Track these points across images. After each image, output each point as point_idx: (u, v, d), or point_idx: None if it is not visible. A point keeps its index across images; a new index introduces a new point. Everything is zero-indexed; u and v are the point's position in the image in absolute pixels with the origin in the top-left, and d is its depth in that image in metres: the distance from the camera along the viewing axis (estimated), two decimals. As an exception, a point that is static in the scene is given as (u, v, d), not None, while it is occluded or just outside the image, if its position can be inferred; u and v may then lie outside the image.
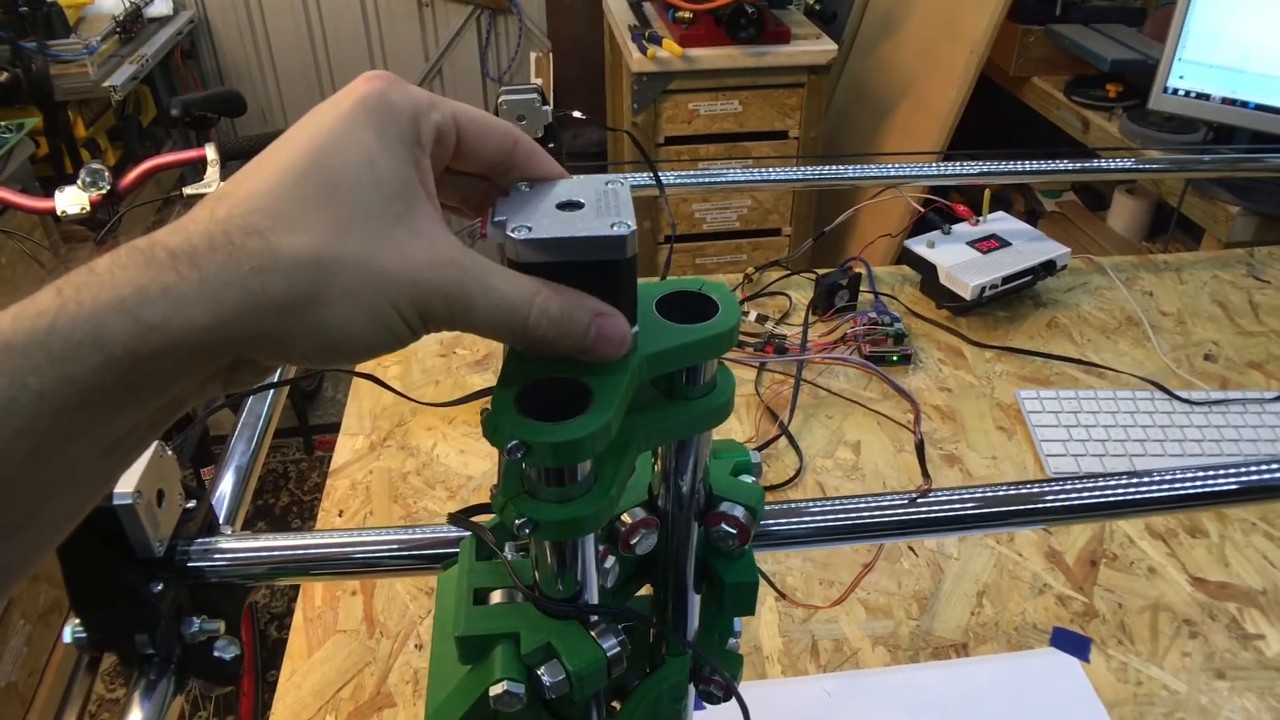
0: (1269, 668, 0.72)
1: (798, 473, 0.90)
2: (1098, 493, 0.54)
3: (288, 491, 2.28)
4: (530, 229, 0.34)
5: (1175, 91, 1.51)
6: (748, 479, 0.47)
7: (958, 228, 1.17)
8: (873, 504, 0.52)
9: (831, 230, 1.29)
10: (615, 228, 0.34)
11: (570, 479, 0.36)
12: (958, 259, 1.10)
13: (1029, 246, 1.13)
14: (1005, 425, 0.96)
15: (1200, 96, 1.49)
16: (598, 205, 0.36)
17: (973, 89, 1.80)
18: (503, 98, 0.97)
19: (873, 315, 1.06)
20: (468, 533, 0.45)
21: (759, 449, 0.92)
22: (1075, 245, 1.93)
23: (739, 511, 0.45)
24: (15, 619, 1.70)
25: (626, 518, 0.44)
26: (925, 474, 0.59)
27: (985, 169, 1.12)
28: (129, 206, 1.41)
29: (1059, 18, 1.86)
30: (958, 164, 1.13)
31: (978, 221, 1.17)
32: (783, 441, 0.94)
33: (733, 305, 0.39)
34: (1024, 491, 0.54)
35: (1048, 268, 1.12)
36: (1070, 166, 1.15)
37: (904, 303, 1.14)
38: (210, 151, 1.43)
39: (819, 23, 2.04)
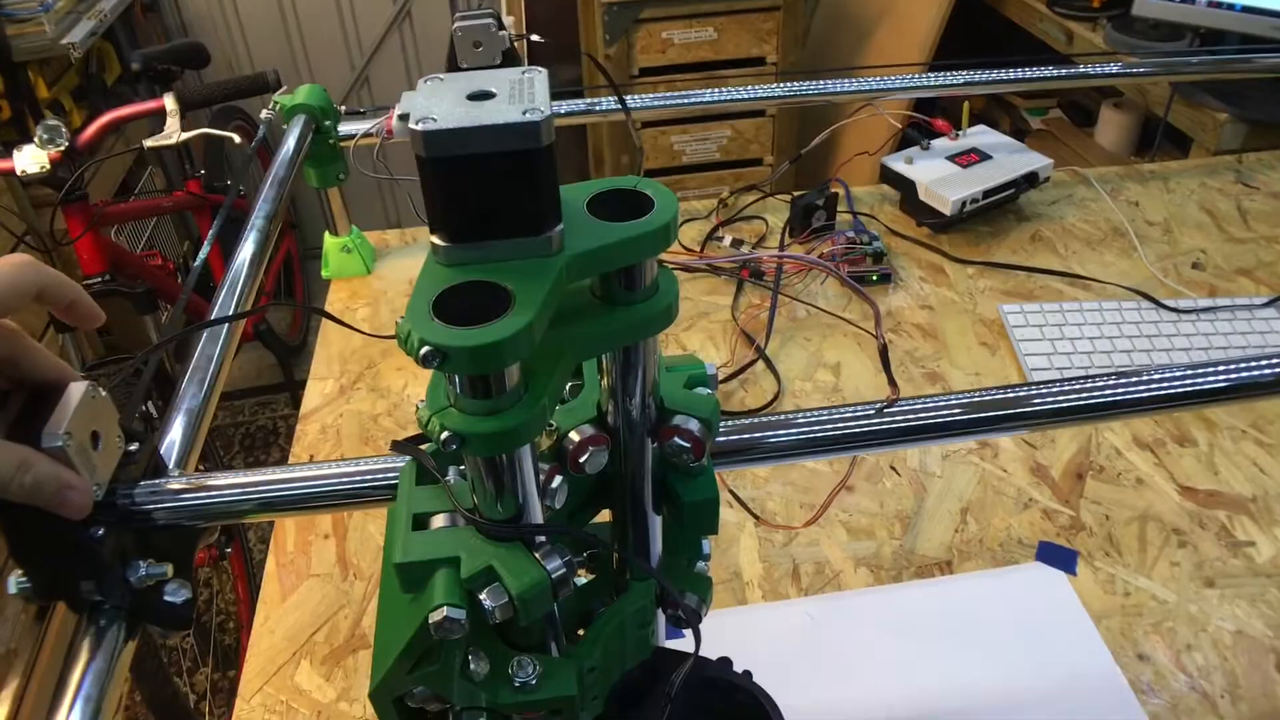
0: (1259, 574, 0.71)
1: (776, 396, 0.88)
2: (1068, 397, 0.52)
3: (278, 448, 2.26)
4: (436, 120, 0.31)
5: (1161, -4, 1.46)
6: (703, 391, 0.45)
7: (937, 143, 1.13)
8: (837, 416, 0.50)
9: (811, 152, 1.25)
10: (528, 114, 0.31)
11: (497, 389, 0.33)
12: (937, 174, 1.07)
13: (1010, 159, 1.10)
14: (989, 341, 0.94)
15: (1185, 0, 1.45)
16: (510, 94, 0.33)
17: (953, 5, 1.75)
18: (457, 24, 0.93)
19: (850, 235, 1.03)
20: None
21: (735, 374, 0.90)
22: (1062, 162, 1.90)
23: (692, 424, 0.42)
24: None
25: (575, 435, 0.41)
26: (892, 382, 0.57)
27: (967, 79, 1.08)
28: (90, 162, 1.37)
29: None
30: (939, 75, 1.09)
31: (957, 136, 1.14)
32: (761, 366, 0.91)
33: (669, 201, 0.36)
34: (997, 397, 0.51)
35: (1030, 180, 1.08)
36: (1053, 73, 1.11)
37: (883, 222, 1.11)
38: (169, 101, 1.39)
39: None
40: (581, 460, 0.41)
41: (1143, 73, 1.25)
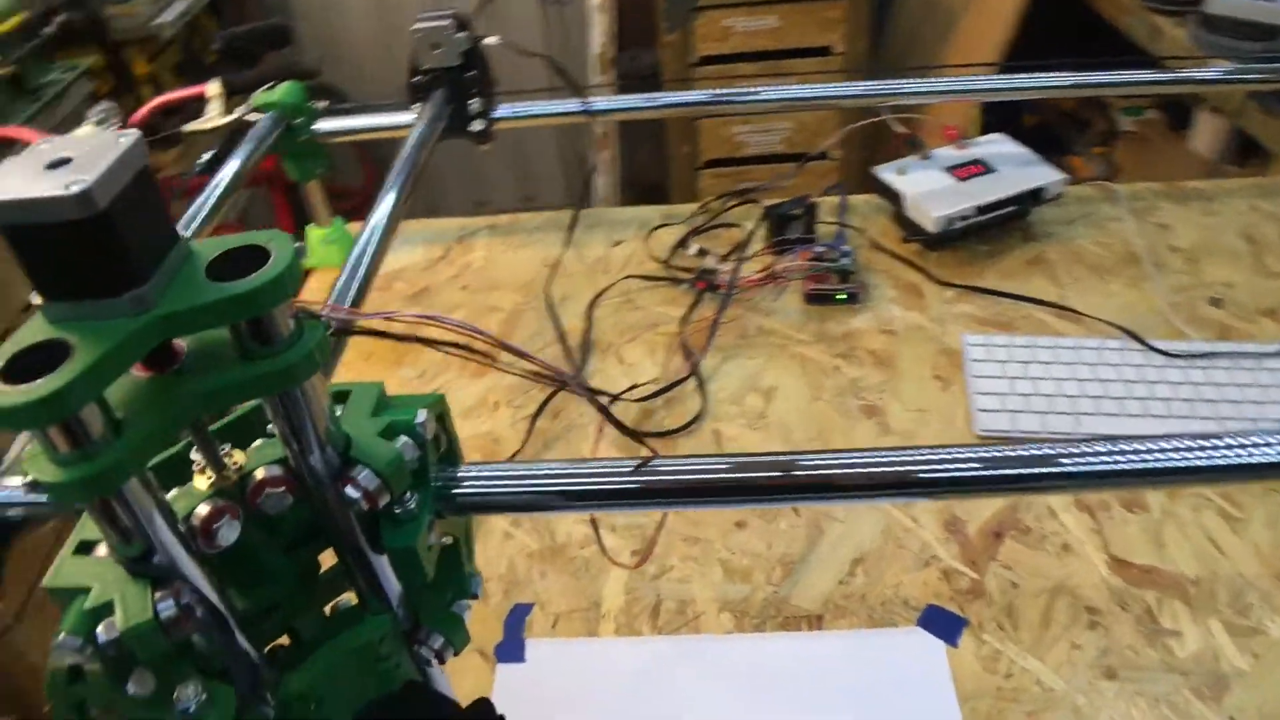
0: (1174, 670, 0.63)
1: (694, 419, 0.84)
2: (868, 467, 0.46)
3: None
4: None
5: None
6: (400, 441, 0.43)
7: (940, 151, 1.05)
8: (586, 470, 0.47)
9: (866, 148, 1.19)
10: (72, 186, 0.31)
11: (70, 441, 0.33)
12: (927, 186, 0.99)
13: (1016, 173, 1.00)
14: (944, 374, 0.86)
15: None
16: (83, 162, 0.33)
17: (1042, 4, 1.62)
18: (416, 25, 0.93)
19: (821, 249, 0.97)
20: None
21: (660, 391, 0.86)
22: (1152, 170, 1.73)
23: (364, 476, 0.41)
24: None
25: (261, 472, 0.41)
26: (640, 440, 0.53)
27: (1036, 82, 0.98)
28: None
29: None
30: (1008, 77, 0.99)
31: (964, 145, 1.05)
32: (692, 384, 0.87)
33: (283, 258, 0.35)
34: (772, 459, 0.46)
35: (1034, 196, 0.99)
36: (1114, 79, 0.99)
37: (872, 235, 1.04)
38: (213, 88, 1.44)
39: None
40: (259, 502, 0.41)
41: (1211, 80, 1.12)
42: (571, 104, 0.99)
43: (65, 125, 1.66)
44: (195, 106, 1.49)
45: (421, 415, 0.44)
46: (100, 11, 1.92)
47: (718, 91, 1.00)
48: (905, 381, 0.86)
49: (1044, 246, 1.01)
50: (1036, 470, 0.45)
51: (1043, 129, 2.08)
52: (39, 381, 0.31)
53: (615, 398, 0.85)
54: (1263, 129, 1.32)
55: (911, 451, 0.45)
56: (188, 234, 0.83)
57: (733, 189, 1.11)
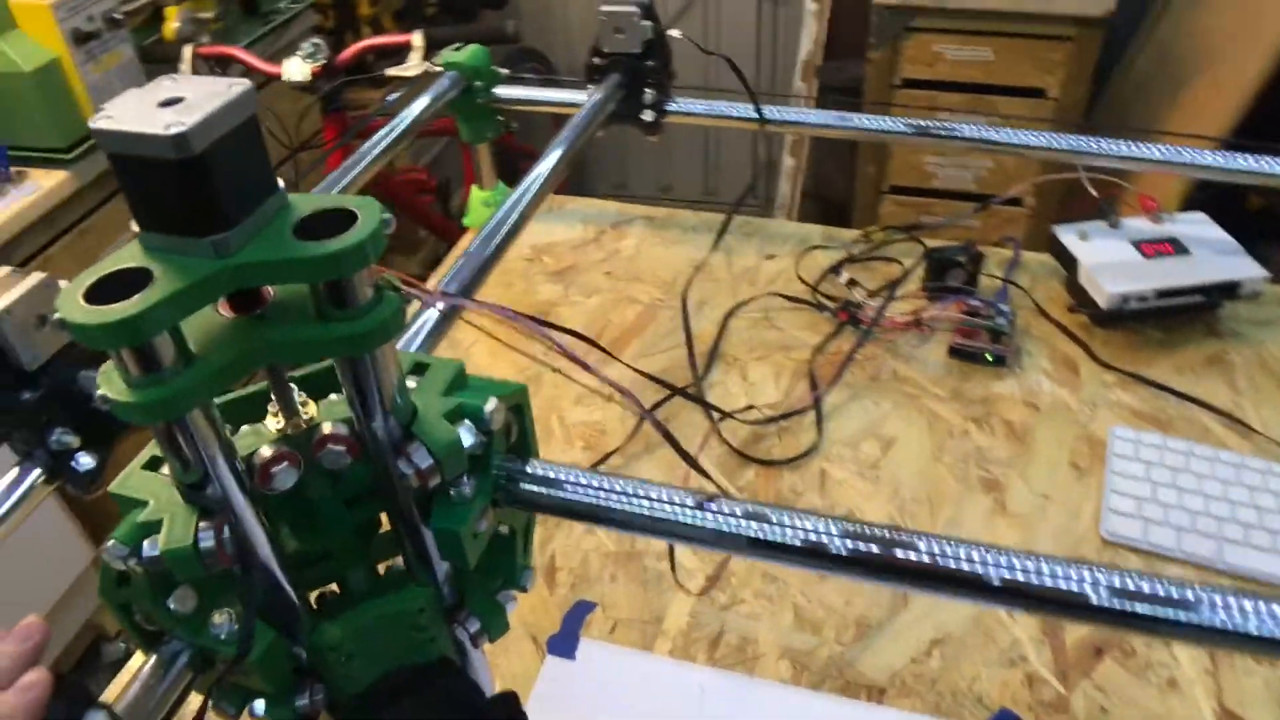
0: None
1: (805, 453, 0.81)
2: (1021, 574, 0.40)
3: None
4: (110, 120, 0.33)
5: None
6: (464, 426, 0.43)
7: (1131, 222, 0.97)
8: (643, 493, 0.45)
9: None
10: (172, 128, 0.32)
11: (142, 364, 0.35)
12: (1107, 257, 0.92)
13: (1211, 260, 0.91)
14: (1082, 463, 0.80)
15: None
16: (191, 105, 0.34)
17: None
18: (604, 7, 0.93)
19: (979, 303, 0.92)
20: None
21: (778, 418, 0.84)
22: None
23: (419, 453, 0.41)
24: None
25: (327, 427, 0.42)
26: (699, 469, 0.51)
27: (1260, 167, 0.87)
28: (342, 80, 1.52)
29: None
30: (1232, 155, 0.88)
31: (1159, 220, 0.97)
32: (811, 416, 0.84)
33: (369, 227, 0.36)
34: (896, 538, 0.42)
35: (1227, 290, 0.90)
36: None
37: (1036, 298, 0.97)
38: (416, 38, 1.50)
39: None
40: (319, 455, 0.42)
41: None
42: (748, 109, 0.97)
43: (285, 51, 1.76)
44: (401, 52, 1.56)
45: (491, 404, 0.44)
46: (326, -52, 2.03)
47: (912, 121, 0.95)
48: (1036, 461, 0.80)
49: (1227, 346, 0.92)
50: (1172, 615, 0.39)
51: (1270, 215, 1.90)
52: (116, 305, 0.32)
53: (727, 415, 0.83)
54: None
55: (1030, 561, 0.40)
56: (356, 171, 0.87)
57: (913, 221, 1.07)
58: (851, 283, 0.97)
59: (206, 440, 0.38)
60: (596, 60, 0.95)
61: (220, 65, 1.58)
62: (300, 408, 0.42)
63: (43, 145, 1.41)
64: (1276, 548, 0.72)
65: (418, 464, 0.41)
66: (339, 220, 0.36)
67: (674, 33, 0.92)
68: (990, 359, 0.89)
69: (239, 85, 0.35)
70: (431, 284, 0.86)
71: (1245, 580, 0.70)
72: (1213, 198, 1.67)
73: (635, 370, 0.88)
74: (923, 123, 0.95)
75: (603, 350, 0.86)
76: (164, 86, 0.35)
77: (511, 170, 1.06)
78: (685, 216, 1.13)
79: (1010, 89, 1.73)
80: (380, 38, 1.52)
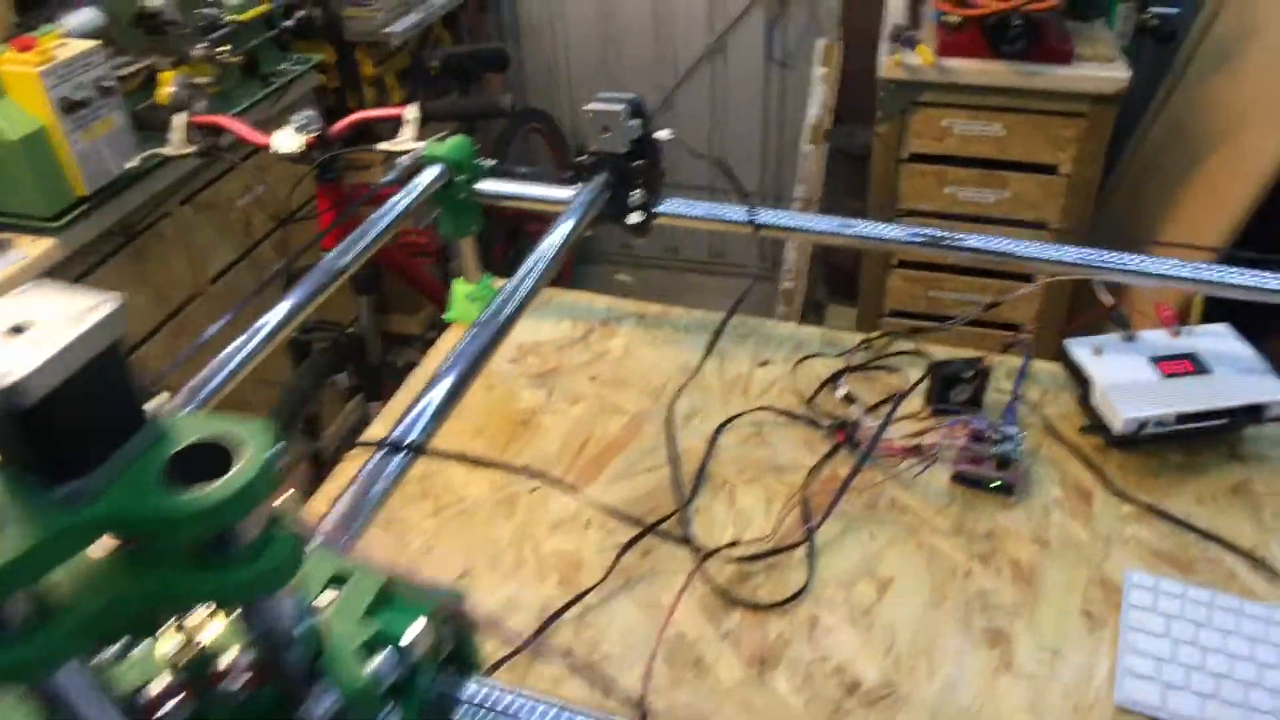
0: None
1: (795, 595, 0.75)
2: None
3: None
4: None
5: None
6: (387, 657, 0.38)
7: (1148, 334, 0.91)
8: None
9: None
10: (3, 376, 0.28)
11: None
12: (1124, 377, 0.86)
13: (1234, 380, 0.86)
14: (1096, 610, 0.74)
15: None
16: (39, 336, 0.29)
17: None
18: (590, 105, 0.89)
19: (984, 425, 0.86)
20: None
21: (765, 554, 0.78)
22: None
23: (326, 696, 0.36)
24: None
25: (224, 659, 0.37)
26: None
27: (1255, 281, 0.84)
28: (337, 151, 1.49)
29: None
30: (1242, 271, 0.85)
31: (1178, 333, 0.91)
32: (802, 551, 0.78)
33: (258, 463, 0.31)
34: None
35: (1251, 414, 0.84)
36: None
37: (1047, 413, 0.91)
38: (410, 111, 1.47)
39: (1154, 41, 1.71)
40: (217, 687, 0.37)
41: None
42: (740, 213, 0.92)
43: (287, 112, 1.74)
44: (395, 124, 1.52)
45: (414, 631, 0.38)
46: (339, 11, 2.01)
47: (918, 230, 0.91)
48: (1046, 608, 0.74)
49: (1252, 472, 0.86)
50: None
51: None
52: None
53: (711, 553, 0.77)
54: None
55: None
56: (344, 262, 0.83)
57: (920, 309, 1.01)
58: (849, 398, 0.91)
59: (81, 692, 0.32)
60: (582, 158, 0.91)
61: (212, 133, 1.55)
62: (195, 623, 0.37)
63: (29, 213, 1.38)
64: (1310, 721, 0.65)
65: (323, 706, 0.35)
66: (222, 455, 0.31)
67: (664, 134, 0.87)
68: (996, 485, 0.83)
69: (106, 306, 0.30)
70: (401, 399, 0.78)
71: (1276, 761, 0.64)
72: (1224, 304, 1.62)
73: (608, 509, 0.83)
74: (928, 232, 0.90)
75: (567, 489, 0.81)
76: (20, 304, 0.30)
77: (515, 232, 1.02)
78: (678, 315, 1.08)
79: (1021, 164, 1.69)
80: (374, 111, 1.49)
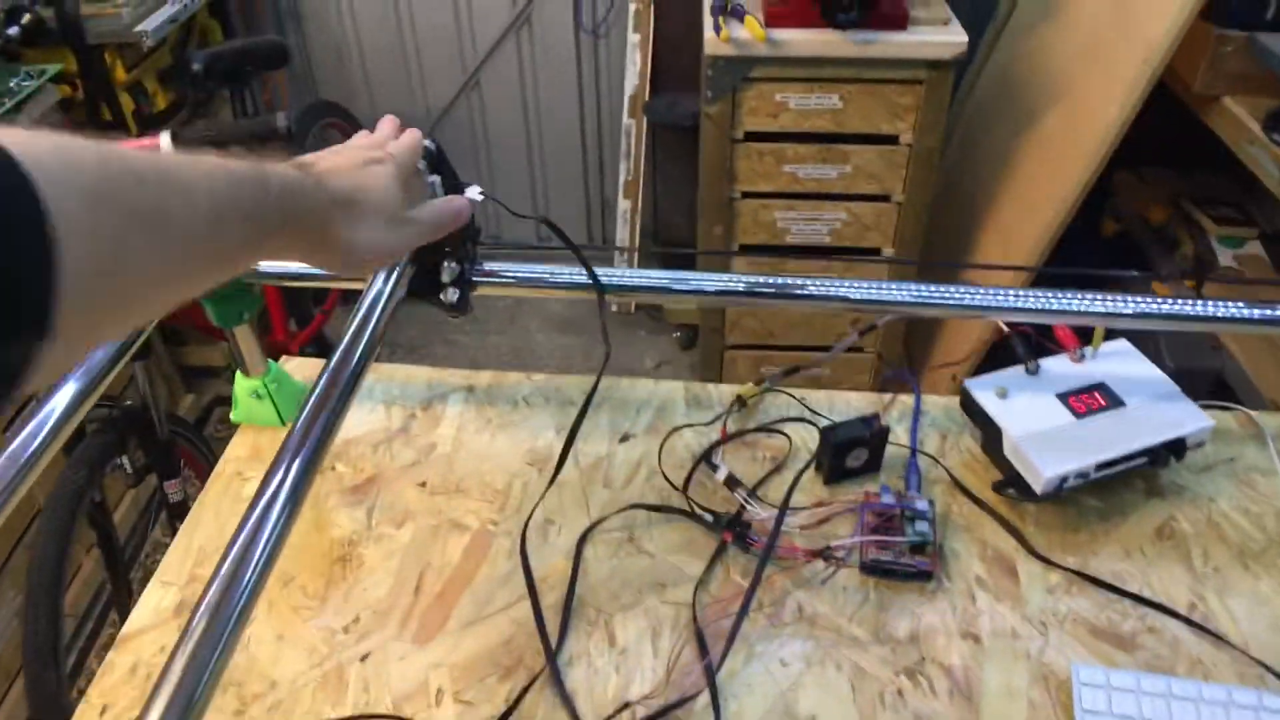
0: None
1: (703, 771, 0.61)
2: None
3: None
4: None
5: None
6: None
7: (1049, 364, 0.82)
8: None
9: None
10: None
11: None
12: (1035, 425, 0.76)
13: (1150, 412, 0.77)
14: (1049, 714, 0.63)
15: None
16: None
17: (1142, 104, 1.37)
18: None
19: (888, 502, 0.74)
20: None
21: (659, 713, 0.64)
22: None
23: None
24: (4, 588, 1.62)
25: None
26: None
27: (1106, 307, 0.75)
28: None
29: (1270, 23, 1.36)
30: (1066, 297, 0.76)
31: (1081, 358, 0.82)
32: (704, 701, 0.65)
33: None
34: None
35: (1174, 449, 0.76)
36: (1206, 311, 0.77)
37: (952, 467, 0.81)
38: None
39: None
40: None
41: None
42: (578, 274, 0.76)
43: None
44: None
45: None
46: (76, 10, 1.69)
47: (756, 279, 0.77)
48: (991, 728, 0.63)
49: (1174, 509, 0.78)
50: None
51: (1123, 240, 1.84)
52: None
53: (596, 731, 0.62)
54: None
55: None
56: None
57: (787, 368, 0.88)
58: (731, 481, 0.78)
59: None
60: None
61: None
62: None
63: None
64: (1300, 836, 0.57)
65: None
66: None
67: (473, 192, 0.69)
68: (908, 574, 0.72)
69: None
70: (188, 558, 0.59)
71: None
72: (1071, 231, 1.58)
73: (463, 670, 0.66)
74: (764, 279, 0.78)
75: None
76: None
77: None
78: (514, 383, 0.92)
79: (861, 136, 1.59)
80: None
